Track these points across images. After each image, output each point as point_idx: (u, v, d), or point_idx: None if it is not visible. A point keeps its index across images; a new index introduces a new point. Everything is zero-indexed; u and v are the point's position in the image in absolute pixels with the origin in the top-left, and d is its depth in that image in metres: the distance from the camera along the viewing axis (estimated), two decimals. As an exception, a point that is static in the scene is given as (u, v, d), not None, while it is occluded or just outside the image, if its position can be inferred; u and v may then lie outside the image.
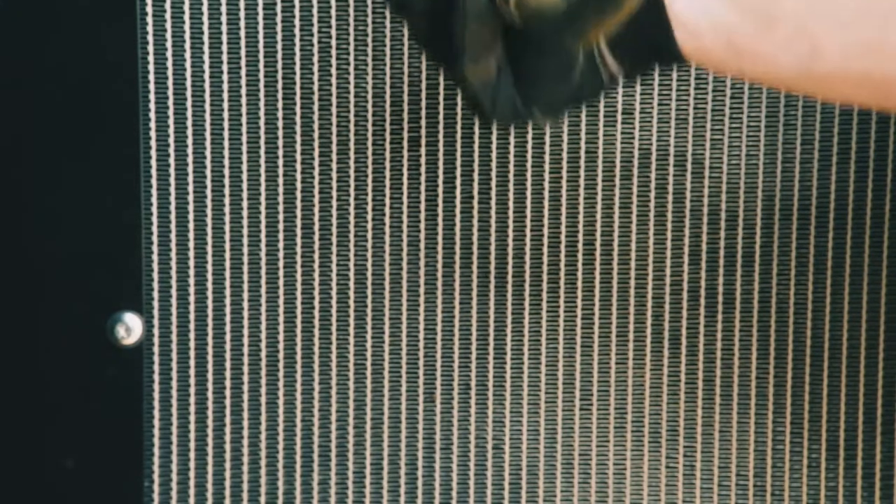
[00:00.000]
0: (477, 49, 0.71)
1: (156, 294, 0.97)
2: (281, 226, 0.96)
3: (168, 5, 0.93)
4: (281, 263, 0.97)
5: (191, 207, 0.96)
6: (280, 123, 0.95)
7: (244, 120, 0.95)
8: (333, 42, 0.94)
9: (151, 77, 0.94)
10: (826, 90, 0.70)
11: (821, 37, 0.67)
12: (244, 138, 0.95)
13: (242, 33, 0.94)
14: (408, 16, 0.74)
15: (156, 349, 0.97)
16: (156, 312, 0.97)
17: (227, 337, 0.97)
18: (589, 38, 0.69)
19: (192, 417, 0.98)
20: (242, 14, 0.94)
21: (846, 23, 0.66)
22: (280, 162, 0.95)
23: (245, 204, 0.96)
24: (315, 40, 0.94)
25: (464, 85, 0.72)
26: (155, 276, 0.96)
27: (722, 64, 0.69)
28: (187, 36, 0.94)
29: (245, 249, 0.96)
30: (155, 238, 0.96)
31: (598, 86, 0.71)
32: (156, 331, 0.97)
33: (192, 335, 0.97)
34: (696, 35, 0.68)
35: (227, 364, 0.98)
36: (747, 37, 0.68)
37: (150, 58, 0.94)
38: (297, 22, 0.94)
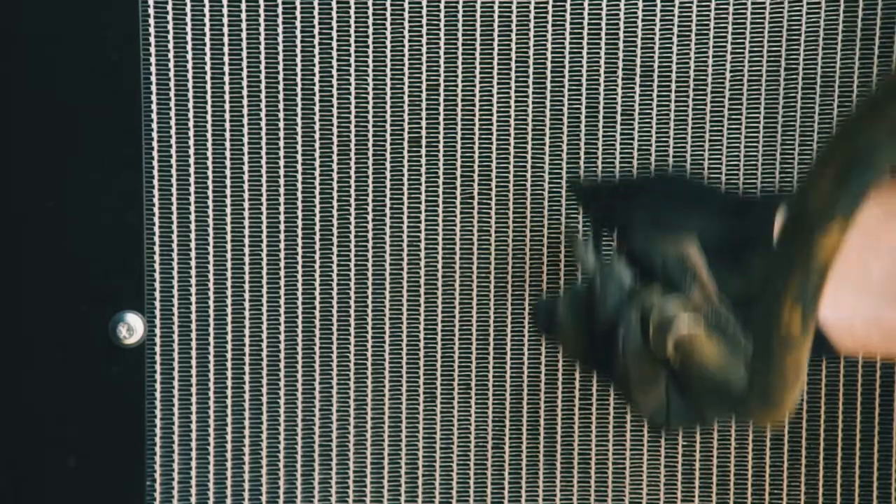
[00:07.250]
0: (642, 383, 0.75)
1: (157, 294, 0.97)
2: (282, 226, 0.96)
3: (170, 6, 0.94)
4: (282, 263, 0.97)
5: (192, 208, 0.96)
6: (281, 124, 0.95)
7: (245, 121, 0.95)
8: (334, 42, 0.95)
9: (153, 77, 0.95)
10: None
11: None
12: (245, 139, 0.95)
13: (244, 34, 0.94)
14: (564, 345, 0.80)
15: (157, 349, 0.97)
16: (157, 312, 0.97)
17: (229, 336, 0.98)
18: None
19: (193, 417, 0.98)
20: (244, 15, 0.94)
21: None
22: (281, 162, 0.96)
23: (246, 204, 0.96)
24: (316, 41, 0.94)
25: (636, 406, 0.76)
26: (157, 275, 0.97)
27: (873, 349, 0.72)
28: (189, 37, 0.94)
29: (246, 249, 0.97)
30: (157, 238, 0.96)
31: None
32: (157, 330, 0.97)
33: (193, 335, 0.97)
34: (851, 334, 0.71)
35: (229, 363, 0.98)
36: None
37: (152, 58, 0.94)
38: (297, 24, 0.94)
